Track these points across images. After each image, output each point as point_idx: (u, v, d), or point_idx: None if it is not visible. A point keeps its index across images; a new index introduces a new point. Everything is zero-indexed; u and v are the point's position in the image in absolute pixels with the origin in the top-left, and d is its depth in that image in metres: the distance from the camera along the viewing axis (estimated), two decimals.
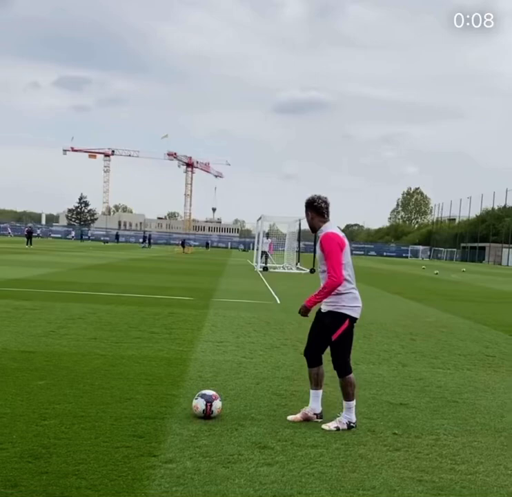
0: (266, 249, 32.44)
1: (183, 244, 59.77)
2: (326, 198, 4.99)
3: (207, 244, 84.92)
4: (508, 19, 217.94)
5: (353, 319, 4.88)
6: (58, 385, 5.40)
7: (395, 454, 4.18)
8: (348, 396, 4.77)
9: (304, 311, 5.06)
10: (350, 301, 4.85)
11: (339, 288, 4.80)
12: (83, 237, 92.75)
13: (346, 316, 4.84)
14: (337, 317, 4.82)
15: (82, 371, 5.97)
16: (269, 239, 34.80)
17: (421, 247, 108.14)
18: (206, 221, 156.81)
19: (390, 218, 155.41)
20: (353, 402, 4.76)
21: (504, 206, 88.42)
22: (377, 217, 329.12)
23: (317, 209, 4.94)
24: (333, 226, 4.97)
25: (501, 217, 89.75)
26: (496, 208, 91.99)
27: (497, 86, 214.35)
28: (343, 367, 4.84)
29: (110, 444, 3.98)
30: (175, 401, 5.09)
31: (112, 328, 8.73)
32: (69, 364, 6.25)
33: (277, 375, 6.38)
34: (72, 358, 6.56)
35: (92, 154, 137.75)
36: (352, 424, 4.69)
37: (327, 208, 4.95)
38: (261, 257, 31.37)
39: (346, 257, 4.90)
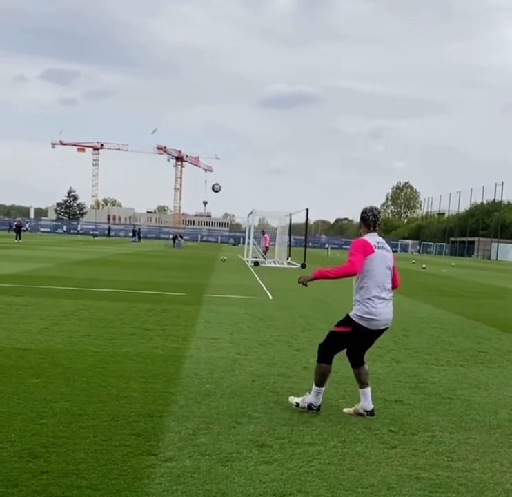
0: (267, 245, 33.40)
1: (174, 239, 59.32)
2: (377, 212, 5.24)
3: (173, 237, 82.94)
4: (496, 14, 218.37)
5: (362, 329, 5.03)
6: (54, 383, 5.39)
7: (392, 451, 4.21)
8: (315, 381, 5.00)
9: (304, 279, 5.19)
10: (363, 312, 5.02)
11: (357, 297, 5.08)
12: (72, 231, 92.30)
13: (353, 322, 5.03)
14: (347, 318, 5.12)
15: (77, 369, 5.96)
16: (266, 235, 35.42)
17: (410, 241, 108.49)
18: (196, 215, 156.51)
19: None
20: (320, 388, 4.99)
21: (493, 201, 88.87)
22: None
23: (364, 220, 5.23)
24: (373, 236, 5.20)
25: (490, 212, 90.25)
26: (485, 202, 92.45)
27: (485, 80, 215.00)
28: (323, 354, 5.07)
29: (108, 443, 3.99)
30: (172, 399, 5.10)
31: (105, 324, 8.72)
32: (64, 362, 6.24)
33: (272, 372, 6.40)
34: (67, 355, 6.55)
35: (81, 147, 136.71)
36: (313, 407, 4.96)
37: (375, 220, 5.21)
38: (265, 252, 32.25)
39: (371, 265, 5.06)
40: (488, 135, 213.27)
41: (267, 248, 35.51)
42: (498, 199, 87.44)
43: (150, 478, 3.49)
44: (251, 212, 32.98)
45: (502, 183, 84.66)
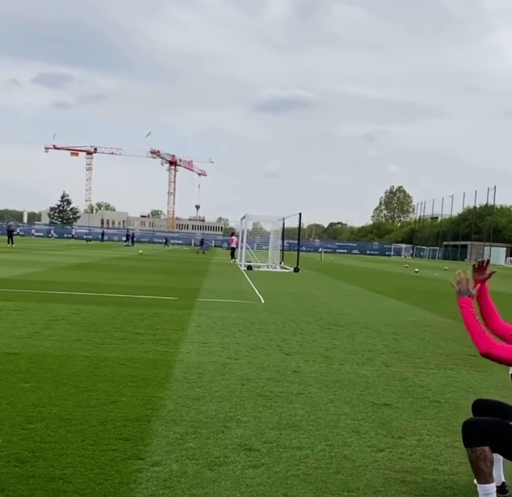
0: (233, 245, 35.67)
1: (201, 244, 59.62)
2: None
3: (165, 241, 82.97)
4: (494, 19, 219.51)
5: None
6: (43, 388, 5.39)
7: (379, 455, 4.24)
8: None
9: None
10: None
11: None
12: (66, 235, 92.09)
13: None
14: None
15: (67, 373, 5.96)
16: (233, 237, 37.43)
17: (404, 245, 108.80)
18: (190, 220, 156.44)
19: (373, 216, 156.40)
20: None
21: (486, 205, 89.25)
22: (361, 216, 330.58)
23: None
24: None
25: (483, 216, 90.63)
26: (478, 206, 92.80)
27: (481, 86, 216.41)
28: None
29: (96, 448, 3.99)
30: (161, 403, 5.11)
31: (96, 329, 8.71)
32: (54, 366, 6.24)
33: (262, 376, 6.41)
34: (57, 360, 6.55)
35: (74, 151, 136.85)
36: None
37: None
38: (231, 254, 34.15)
39: None
40: (482, 140, 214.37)
41: (233, 250, 36.80)
42: (491, 203, 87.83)
43: (137, 482, 3.50)
44: (244, 217, 33.02)
45: (494, 187, 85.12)
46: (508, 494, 3.58)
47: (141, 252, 33.21)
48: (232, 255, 36.61)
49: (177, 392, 5.46)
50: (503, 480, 3.64)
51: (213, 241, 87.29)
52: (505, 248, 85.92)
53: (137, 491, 3.39)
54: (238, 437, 4.39)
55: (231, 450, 4.13)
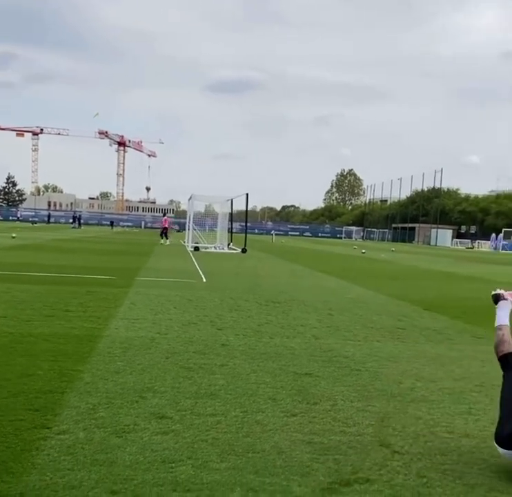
0: (166, 225, 36.93)
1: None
2: None
3: (111, 222, 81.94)
4: (443, 2, 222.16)
5: None
6: None
7: (290, 419, 4.31)
8: None
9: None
10: None
11: None
12: (11, 217, 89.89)
13: None
14: None
15: None
16: (165, 217, 38.71)
17: (354, 228, 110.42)
18: (140, 202, 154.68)
19: (325, 199, 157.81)
20: None
21: (433, 188, 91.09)
22: (313, 199, 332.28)
23: None
24: None
25: (430, 198, 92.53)
26: (425, 189, 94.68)
27: (430, 69, 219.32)
28: None
29: (3, 418, 3.93)
30: (78, 376, 5.06)
31: (24, 306, 8.56)
32: None
33: (189, 349, 6.43)
34: None
35: (20, 132, 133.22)
36: None
37: None
38: (161, 234, 35.84)
39: None
40: (430, 123, 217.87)
41: (165, 229, 37.35)
42: (438, 186, 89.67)
43: (39, 449, 3.47)
44: (191, 197, 32.85)
45: (441, 170, 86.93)
46: None
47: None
48: (162, 235, 36.76)
49: (97, 365, 5.42)
50: None
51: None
52: (451, 230, 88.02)
53: (39, 457, 3.36)
54: (152, 407, 4.39)
55: (143, 418, 4.13)
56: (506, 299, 4.37)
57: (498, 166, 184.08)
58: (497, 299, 4.43)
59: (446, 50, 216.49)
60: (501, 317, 4.26)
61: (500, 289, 4.46)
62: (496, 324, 4.23)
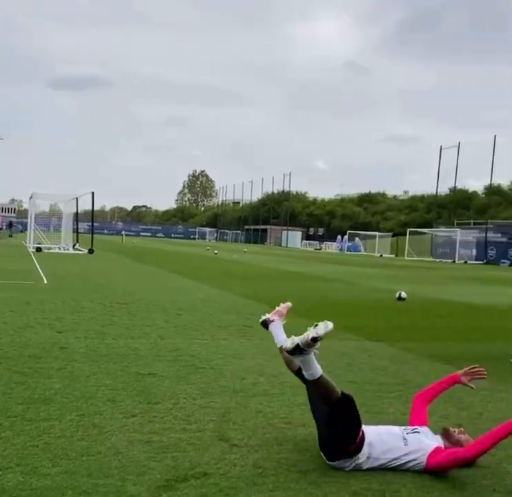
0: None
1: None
2: None
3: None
4: (295, 12, 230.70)
5: None
6: None
7: (130, 420, 4.21)
8: None
9: None
10: None
11: None
12: None
13: None
14: None
15: None
16: None
17: (208, 229, 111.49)
18: None
19: (177, 200, 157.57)
20: None
21: (283, 191, 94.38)
22: (165, 199, 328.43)
23: None
24: None
25: (280, 201, 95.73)
26: (276, 192, 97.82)
27: (280, 75, 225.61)
28: None
29: None
30: None
31: None
32: None
33: (24, 353, 6.07)
34: None
35: None
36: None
37: None
38: None
39: None
40: (279, 128, 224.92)
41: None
42: (287, 189, 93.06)
43: None
44: (31, 196, 31.31)
45: (290, 174, 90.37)
46: None
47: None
48: None
49: None
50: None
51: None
52: (301, 232, 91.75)
53: None
54: None
55: None
56: (273, 321, 4.45)
57: (342, 172, 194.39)
58: (266, 325, 4.47)
59: (294, 57, 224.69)
60: (279, 338, 4.30)
61: (268, 314, 4.51)
62: (278, 346, 4.27)
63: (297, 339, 3.56)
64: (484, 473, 3.62)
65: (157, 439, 3.85)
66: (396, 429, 3.73)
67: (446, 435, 3.70)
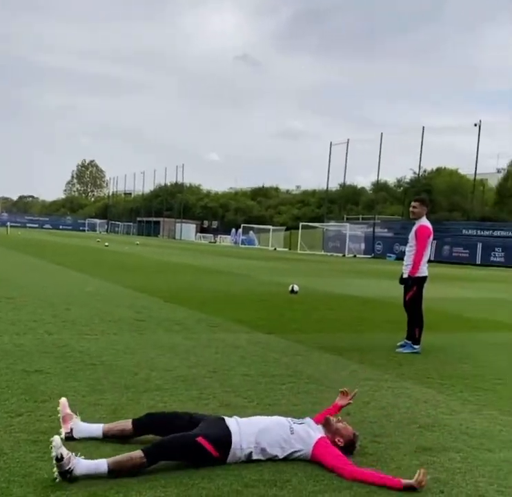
0: None
1: None
2: None
3: None
4: (190, 2, 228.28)
5: None
6: None
7: (15, 420, 4.06)
8: None
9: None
10: None
11: None
12: None
13: None
14: None
15: None
16: None
17: (98, 220, 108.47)
18: None
19: (65, 190, 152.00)
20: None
21: (176, 182, 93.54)
22: (53, 189, 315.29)
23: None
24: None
25: (174, 193, 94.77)
26: (169, 184, 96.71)
27: (174, 66, 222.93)
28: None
29: None
30: None
31: None
32: None
33: None
34: None
35: None
36: None
37: None
38: None
39: None
40: (172, 119, 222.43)
41: None
42: (180, 181, 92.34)
43: None
44: None
45: (183, 165, 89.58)
46: None
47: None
48: None
49: None
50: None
51: None
52: (195, 225, 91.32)
53: None
54: None
55: None
56: (73, 428, 3.84)
57: (236, 165, 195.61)
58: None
59: (188, 49, 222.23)
60: (91, 430, 3.85)
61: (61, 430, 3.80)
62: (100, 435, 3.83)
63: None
64: (371, 460, 3.81)
65: (44, 438, 3.72)
66: (283, 420, 3.85)
67: (326, 424, 3.88)
